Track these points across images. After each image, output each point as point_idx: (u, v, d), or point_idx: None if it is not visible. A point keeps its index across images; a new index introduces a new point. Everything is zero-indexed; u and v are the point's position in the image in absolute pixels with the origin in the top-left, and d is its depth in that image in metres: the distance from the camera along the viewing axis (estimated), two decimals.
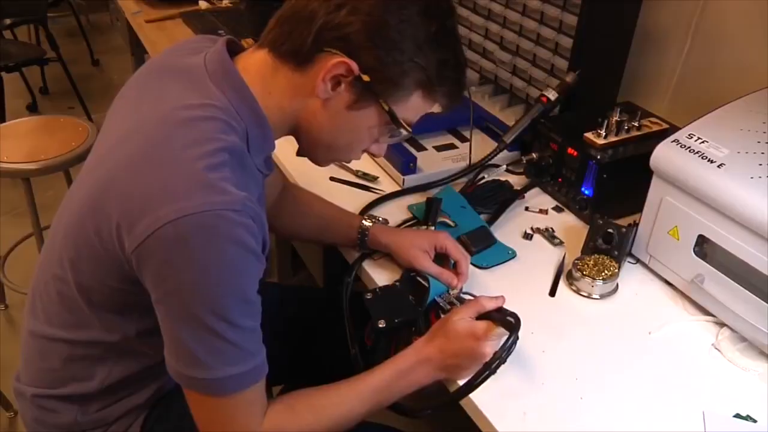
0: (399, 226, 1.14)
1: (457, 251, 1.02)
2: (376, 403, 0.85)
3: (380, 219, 1.14)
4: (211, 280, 0.70)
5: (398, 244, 1.04)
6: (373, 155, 0.89)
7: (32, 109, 3.49)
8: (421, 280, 0.99)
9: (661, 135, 1.03)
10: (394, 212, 1.18)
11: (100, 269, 0.78)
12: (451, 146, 1.38)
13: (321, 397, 0.84)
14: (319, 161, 0.90)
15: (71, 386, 0.89)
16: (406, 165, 1.24)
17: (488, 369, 0.81)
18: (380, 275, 1.04)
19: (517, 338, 0.82)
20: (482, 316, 0.86)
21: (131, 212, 0.71)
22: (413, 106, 0.81)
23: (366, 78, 0.75)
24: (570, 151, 1.16)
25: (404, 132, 0.83)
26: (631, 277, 1.05)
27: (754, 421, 0.82)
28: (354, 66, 0.74)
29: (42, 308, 0.89)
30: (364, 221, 1.07)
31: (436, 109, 0.85)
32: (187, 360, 0.74)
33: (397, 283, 1.00)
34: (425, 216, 1.13)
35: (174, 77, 0.81)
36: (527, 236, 1.14)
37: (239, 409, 0.77)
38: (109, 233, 0.73)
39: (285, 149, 1.37)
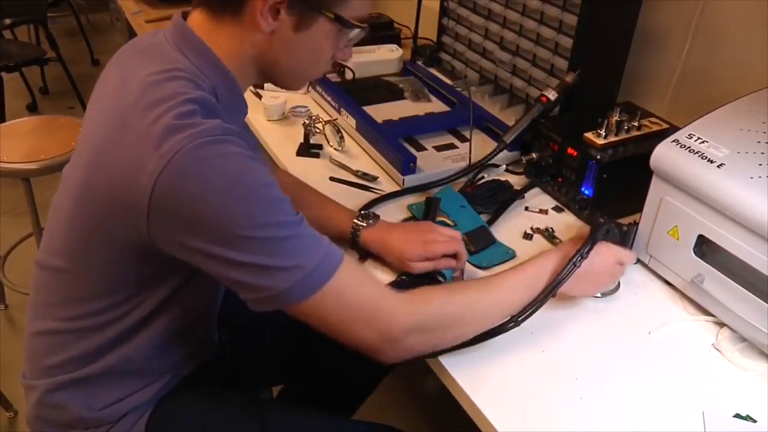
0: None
1: (449, 248, 1.00)
2: (533, 290, 0.89)
3: (371, 218, 1.07)
4: (232, 197, 0.70)
5: (387, 254, 1.03)
6: (342, 61, 0.90)
7: (32, 109, 3.49)
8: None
9: (661, 135, 1.03)
10: (394, 212, 1.18)
11: (108, 252, 0.79)
12: (451, 146, 1.38)
13: (479, 281, 0.87)
14: (293, 87, 0.92)
15: (76, 372, 0.88)
16: (406, 165, 1.24)
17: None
18: (381, 275, 1.04)
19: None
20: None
21: (125, 185, 0.71)
22: (356, 3, 0.81)
23: None
24: (570, 151, 1.16)
25: (361, 30, 0.84)
26: (630, 277, 1.05)
27: (754, 421, 0.82)
28: None
29: (44, 301, 0.89)
30: (356, 220, 1.05)
31: None
32: (276, 277, 0.73)
33: (404, 278, 1.00)
34: (424, 215, 1.13)
35: (138, 56, 0.82)
36: (527, 236, 1.14)
37: (353, 281, 0.78)
38: (117, 215, 0.74)
39: (285, 148, 1.38)
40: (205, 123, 0.71)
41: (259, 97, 1.51)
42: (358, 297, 0.78)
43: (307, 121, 1.37)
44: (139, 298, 0.84)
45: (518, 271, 0.90)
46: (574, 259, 0.89)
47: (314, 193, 1.13)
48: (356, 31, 0.84)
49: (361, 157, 1.37)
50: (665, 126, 1.19)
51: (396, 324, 0.79)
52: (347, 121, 1.43)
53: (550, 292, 0.89)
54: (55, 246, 0.86)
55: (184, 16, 0.84)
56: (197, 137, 0.69)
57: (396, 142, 1.32)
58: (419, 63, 1.75)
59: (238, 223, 0.70)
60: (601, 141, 1.13)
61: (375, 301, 0.79)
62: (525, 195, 1.23)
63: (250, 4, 0.77)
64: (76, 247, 0.82)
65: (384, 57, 1.70)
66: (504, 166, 1.29)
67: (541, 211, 1.21)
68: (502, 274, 0.91)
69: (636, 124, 1.16)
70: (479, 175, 1.27)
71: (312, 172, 1.29)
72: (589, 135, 1.15)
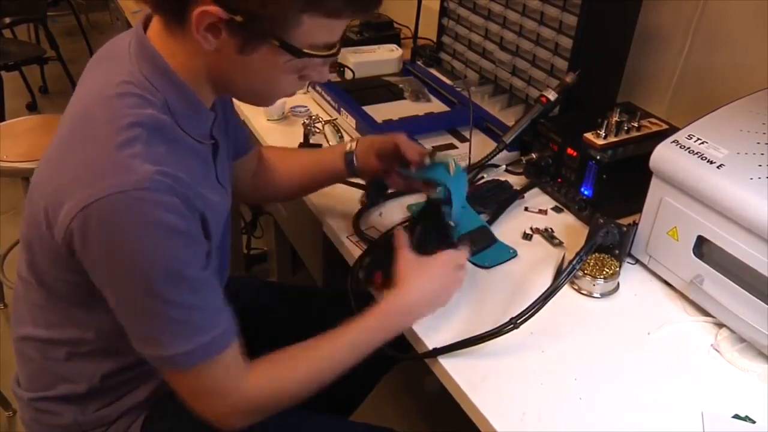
0: (397, 225, 1.14)
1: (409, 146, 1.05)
2: (360, 355, 0.85)
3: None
4: (132, 265, 0.69)
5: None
6: (318, 82, 0.86)
7: (32, 108, 3.49)
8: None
9: (661, 135, 1.03)
10: (394, 212, 1.18)
11: (52, 264, 0.79)
12: (451, 146, 1.38)
13: (304, 352, 0.84)
14: (258, 105, 0.90)
15: (63, 387, 0.89)
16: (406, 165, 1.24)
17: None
18: None
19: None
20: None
21: (54, 203, 0.71)
22: (312, 29, 0.72)
23: (239, 18, 0.68)
24: (570, 151, 1.16)
25: (324, 57, 0.76)
26: (630, 278, 1.05)
27: (753, 422, 0.82)
28: (218, 11, 0.68)
29: (21, 312, 0.90)
30: (348, 145, 1.10)
31: (346, 18, 0.74)
32: (143, 339, 0.75)
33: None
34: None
35: (102, 64, 0.81)
36: (526, 236, 1.14)
37: (213, 376, 0.77)
38: (45, 226, 0.74)
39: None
40: (136, 172, 0.67)
41: None
42: (211, 390, 0.78)
43: (306, 121, 1.37)
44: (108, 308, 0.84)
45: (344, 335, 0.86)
46: (574, 262, 0.89)
47: (297, 151, 1.17)
48: (323, 57, 0.75)
49: None
50: (665, 126, 1.19)
51: (240, 414, 0.81)
52: (347, 121, 1.43)
53: (548, 296, 0.88)
54: (21, 257, 0.86)
55: (149, 19, 0.80)
56: (122, 188, 0.67)
57: None
58: (419, 63, 1.75)
59: (131, 287, 0.71)
60: (600, 141, 1.13)
61: (229, 396, 0.79)
62: (525, 195, 1.23)
63: (189, 20, 0.70)
64: (31, 257, 0.82)
65: (384, 57, 1.70)
66: (504, 167, 1.29)
67: (540, 212, 1.21)
68: (328, 344, 0.86)
69: (636, 124, 1.16)
70: (479, 175, 1.27)
71: None
72: (588, 135, 1.15)
